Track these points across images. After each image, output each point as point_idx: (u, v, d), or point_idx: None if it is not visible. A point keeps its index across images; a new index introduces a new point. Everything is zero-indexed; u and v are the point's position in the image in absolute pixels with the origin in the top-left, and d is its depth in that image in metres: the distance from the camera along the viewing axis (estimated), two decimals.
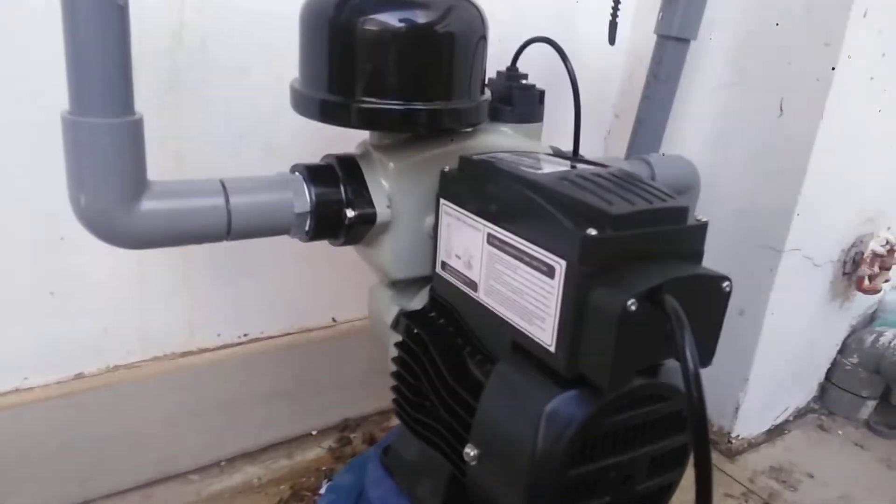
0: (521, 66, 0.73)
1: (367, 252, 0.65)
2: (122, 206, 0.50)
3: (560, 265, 0.47)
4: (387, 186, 0.61)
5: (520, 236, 0.51)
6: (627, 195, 0.49)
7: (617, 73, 1.16)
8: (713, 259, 1.04)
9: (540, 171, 0.53)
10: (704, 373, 0.97)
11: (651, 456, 0.54)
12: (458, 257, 0.59)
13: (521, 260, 0.51)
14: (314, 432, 0.99)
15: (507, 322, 0.54)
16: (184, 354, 0.86)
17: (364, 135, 0.66)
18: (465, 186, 0.58)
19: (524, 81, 0.68)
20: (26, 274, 0.73)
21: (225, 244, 0.58)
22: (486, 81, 0.70)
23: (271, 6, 0.77)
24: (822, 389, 1.22)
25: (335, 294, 0.97)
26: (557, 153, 0.73)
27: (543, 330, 0.50)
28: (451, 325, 0.62)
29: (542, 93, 0.69)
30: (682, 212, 0.49)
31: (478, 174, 0.57)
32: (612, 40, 0.85)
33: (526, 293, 0.51)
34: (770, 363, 1.04)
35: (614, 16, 0.84)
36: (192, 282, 0.84)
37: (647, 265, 0.47)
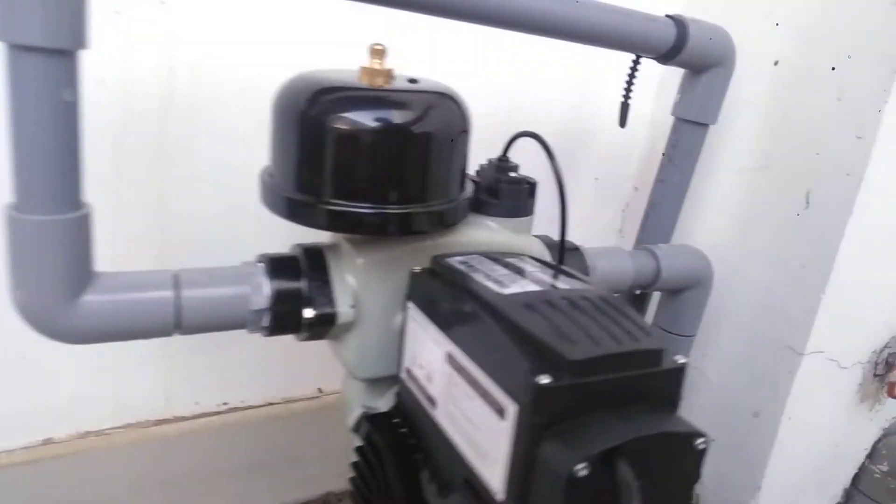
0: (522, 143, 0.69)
1: (334, 346, 0.62)
2: (62, 302, 0.48)
3: (512, 409, 0.42)
4: (353, 283, 0.57)
5: (477, 364, 0.47)
6: (596, 331, 0.44)
7: (638, 145, 1.12)
8: (728, 357, 0.97)
9: (507, 291, 0.49)
10: (714, 475, 0.91)
11: None
12: (421, 367, 0.55)
13: (476, 390, 0.47)
14: None
15: (460, 454, 0.49)
16: (158, 422, 0.83)
17: None
18: (431, 292, 0.54)
19: (513, 174, 0.64)
20: None
21: None
22: (478, 168, 0.66)
23: (262, 75, 0.75)
24: (848, 496, 1.11)
25: (322, 363, 0.93)
26: (548, 246, 0.69)
27: (493, 475, 0.45)
28: (413, 437, 0.57)
29: (532, 186, 0.65)
30: (656, 354, 0.44)
31: (445, 281, 0.53)
32: (622, 123, 0.80)
33: (480, 428, 0.46)
34: (786, 469, 0.95)
35: (626, 98, 0.80)
36: (171, 348, 0.81)
37: (610, 416, 0.42)
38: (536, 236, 0.70)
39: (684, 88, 0.83)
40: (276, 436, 0.91)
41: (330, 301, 0.56)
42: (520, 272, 0.54)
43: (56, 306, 0.48)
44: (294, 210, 0.54)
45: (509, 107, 0.91)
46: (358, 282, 0.57)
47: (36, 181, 0.45)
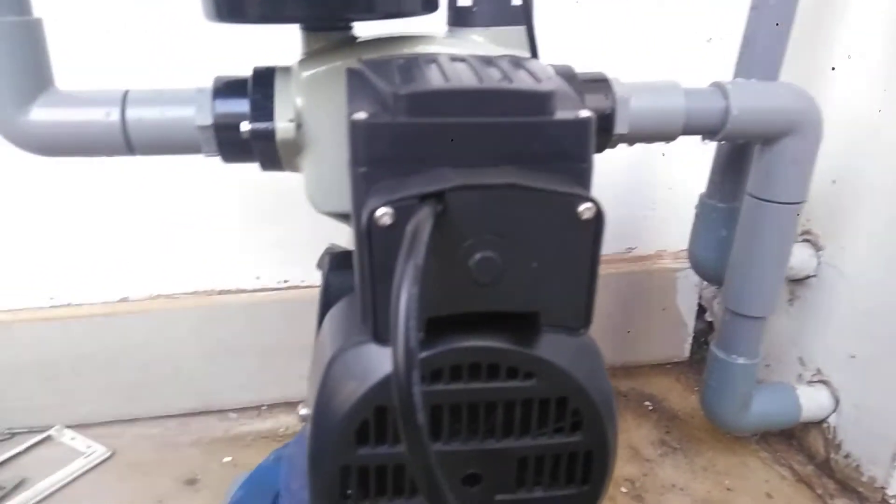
0: None
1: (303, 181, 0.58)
2: (14, 110, 0.51)
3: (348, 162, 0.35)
4: (298, 101, 0.53)
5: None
6: (459, 74, 0.35)
7: None
8: (869, 247, 0.74)
9: (402, 61, 0.41)
10: (853, 403, 0.77)
11: (518, 456, 0.38)
12: None
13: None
14: None
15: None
16: (221, 292, 0.88)
17: None
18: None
19: None
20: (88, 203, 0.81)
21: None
22: None
23: None
24: None
25: None
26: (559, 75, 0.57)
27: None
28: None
29: None
30: (537, 99, 0.33)
31: (359, 74, 0.46)
32: None
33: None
34: None
35: None
36: (234, 220, 0.85)
37: (454, 169, 0.33)
38: (557, 66, 0.59)
39: None
40: None
41: (269, 115, 0.53)
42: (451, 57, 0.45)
43: (9, 114, 0.51)
44: (220, 6, 0.51)
45: None
46: (304, 98, 0.53)
47: None
